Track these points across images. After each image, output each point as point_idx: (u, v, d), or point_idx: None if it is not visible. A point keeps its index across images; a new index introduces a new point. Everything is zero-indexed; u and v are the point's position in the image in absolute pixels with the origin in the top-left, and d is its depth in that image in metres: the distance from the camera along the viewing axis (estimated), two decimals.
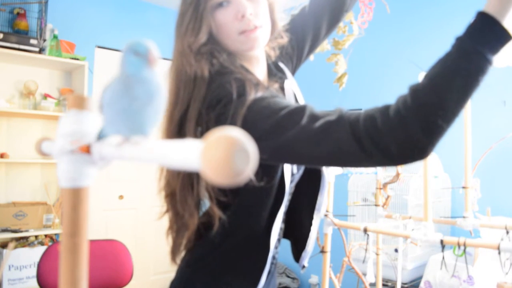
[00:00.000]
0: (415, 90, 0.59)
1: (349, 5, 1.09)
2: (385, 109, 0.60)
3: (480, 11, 0.59)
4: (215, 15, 0.81)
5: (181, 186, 0.83)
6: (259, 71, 0.91)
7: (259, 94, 0.74)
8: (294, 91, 0.94)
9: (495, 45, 0.58)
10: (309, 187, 1.00)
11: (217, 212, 0.83)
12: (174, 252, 0.89)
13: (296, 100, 0.94)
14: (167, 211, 0.87)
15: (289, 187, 0.86)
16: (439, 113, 0.56)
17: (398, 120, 0.58)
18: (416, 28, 2.80)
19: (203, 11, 0.80)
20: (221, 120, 0.74)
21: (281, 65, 0.99)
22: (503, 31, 0.58)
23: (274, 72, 0.96)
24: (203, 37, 0.80)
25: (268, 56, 0.96)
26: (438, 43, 2.69)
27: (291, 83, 0.95)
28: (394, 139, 0.58)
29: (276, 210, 0.85)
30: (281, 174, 0.83)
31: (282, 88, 0.93)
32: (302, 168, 0.94)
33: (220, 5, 0.81)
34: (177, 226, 0.87)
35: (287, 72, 0.98)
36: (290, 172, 0.87)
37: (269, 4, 0.88)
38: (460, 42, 0.59)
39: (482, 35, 0.58)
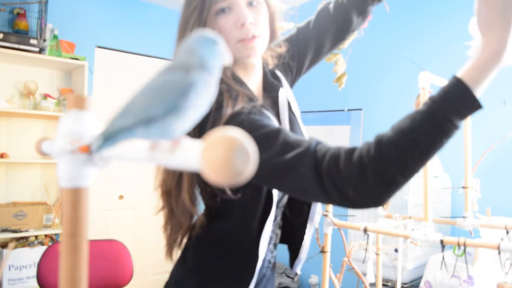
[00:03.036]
0: (380, 142, 0.61)
1: (355, 26, 1.09)
2: (350, 152, 0.62)
3: (456, 76, 0.60)
4: (217, 21, 0.83)
5: (176, 185, 0.84)
6: (254, 78, 0.92)
7: (237, 108, 0.75)
8: (288, 100, 0.95)
9: (465, 113, 0.60)
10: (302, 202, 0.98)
11: (202, 218, 0.85)
12: (168, 248, 0.91)
13: (290, 109, 0.94)
14: (163, 207, 0.89)
15: (277, 196, 0.86)
16: (399, 169, 0.59)
17: (359, 168, 0.60)
18: (416, 27, 2.80)
19: (207, 16, 0.81)
20: (202, 130, 0.75)
21: (278, 73, 0.99)
22: (475, 101, 0.59)
23: (270, 79, 0.96)
24: None
25: (265, 63, 0.97)
26: (438, 42, 2.69)
27: (286, 92, 0.95)
28: (352, 184, 0.61)
29: (265, 220, 0.85)
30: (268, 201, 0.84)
31: (275, 96, 0.93)
32: None
33: (222, 11, 0.82)
34: (171, 223, 0.89)
35: (283, 81, 0.98)
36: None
37: (270, 13, 0.89)
38: (432, 105, 0.60)
39: (454, 103, 0.59)
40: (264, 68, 0.96)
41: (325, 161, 0.63)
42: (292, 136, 0.69)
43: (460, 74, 0.60)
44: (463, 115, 0.60)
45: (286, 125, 0.92)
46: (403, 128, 0.60)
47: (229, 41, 0.83)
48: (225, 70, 0.84)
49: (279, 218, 0.96)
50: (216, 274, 0.88)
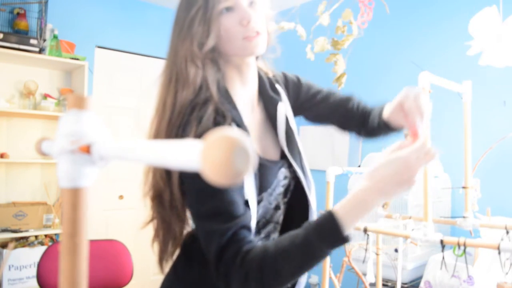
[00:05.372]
0: (264, 257, 0.70)
1: (356, 131, 1.09)
2: (245, 255, 0.71)
3: (331, 212, 0.69)
4: (221, 20, 0.84)
5: (167, 183, 0.85)
6: (249, 83, 0.94)
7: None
8: (286, 115, 0.97)
9: (334, 245, 0.69)
10: (300, 216, 0.98)
11: (193, 229, 0.86)
12: (161, 261, 0.89)
13: (288, 124, 0.97)
14: (152, 219, 0.89)
15: (255, 208, 0.85)
16: (277, 280, 0.70)
17: (244, 278, 0.70)
18: (415, 28, 2.80)
19: (211, 16, 0.84)
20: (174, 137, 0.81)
21: (278, 87, 1.01)
22: (343, 236, 0.68)
23: (270, 93, 0.98)
24: (211, 42, 0.84)
25: (263, 73, 0.99)
26: (438, 43, 2.69)
27: (284, 107, 0.97)
28: (236, 285, 0.72)
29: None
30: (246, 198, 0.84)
31: (273, 110, 0.96)
32: (277, 187, 0.93)
33: (226, 10, 0.84)
34: (163, 234, 0.88)
35: (283, 95, 1.00)
36: (255, 196, 0.85)
37: (264, 15, 0.92)
38: (307, 233, 0.69)
39: (325, 235, 0.68)
40: (262, 79, 0.98)
41: (225, 256, 0.72)
42: (231, 199, 0.75)
43: (337, 206, 0.70)
44: (333, 245, 0.68)
45: (282, 140, 0.94)
46: (284, 248, 0.70)
47: (234, 38, 0.85)
48: (219, 83, 0.86)
49: (275, 235, 0.96)
50: (203, 284, 0.87)
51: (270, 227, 0.95)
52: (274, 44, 0.98)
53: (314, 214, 0.96)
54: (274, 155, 0.95)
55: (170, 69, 0.87)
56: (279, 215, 0.96)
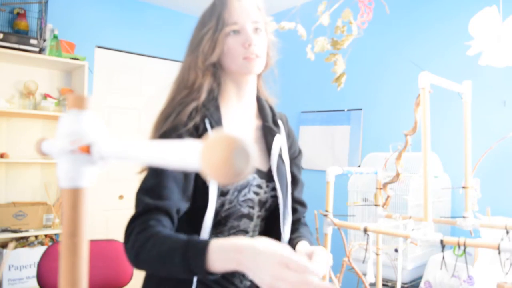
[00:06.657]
0: (142, 251, 0.82)
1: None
2: (139, 231, 0.85)
3: (208, 242, 0.74)
4: (227, 40, 0.98)
5: None
6: (244, 100, 1.06)
7: (168, 127, 0.94)
8: (281, 147, 1.07)
9: (193, 268, 0.74)
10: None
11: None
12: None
13: (280, 156, 1.06)
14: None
15: (214, 206, 0.92)
16: (144, 267, 0.89)
17: (129, 250, 0.86)
18: (416, 27, 2.80)
19: (218, 36, 0.98)
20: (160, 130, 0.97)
21: (280, 122, 1.12)
22: (204, 272, 0.73)
23: (270, 125, 1.07)
24: (214, 58, 0.99)
25: (266, 101, 1.11)
26: (438, 42, 2.69)
27: (281, 140, 1.08)
28: (126, 248, 0.87)
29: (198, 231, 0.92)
30: (205, 196, 0.91)
31: (270, 140, 1.05)
32: (248, 188, 1.00)
33: (233, 32, 0.98)
34: None
35: (282, 130, 1.11)
36: (217, 193, 0.93)
37: (267, 40, 1.05)
38: (178, 251, 0.77)
39: (191, 262, 0.73)
40: (264, 106, 1.09)
41: (140, 222, 0.86)
42: (167, 185, 0.88)
43: (216, 242, 0.72)
44: (189, 266, 0.74)
45: (273, 167, 1.03)
46: (159, 253, 0.80)
47: (236, 57, 0.98)
48: (213, 92, 0.99)
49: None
50: (169, 279, 0.99)
51: (243, 236, 1.01)
52: (273, 67, 1.10)
53: (285, 242, 1.03)
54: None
55: (177, 75, 1.03)
56: (253, 227, 1.03)
